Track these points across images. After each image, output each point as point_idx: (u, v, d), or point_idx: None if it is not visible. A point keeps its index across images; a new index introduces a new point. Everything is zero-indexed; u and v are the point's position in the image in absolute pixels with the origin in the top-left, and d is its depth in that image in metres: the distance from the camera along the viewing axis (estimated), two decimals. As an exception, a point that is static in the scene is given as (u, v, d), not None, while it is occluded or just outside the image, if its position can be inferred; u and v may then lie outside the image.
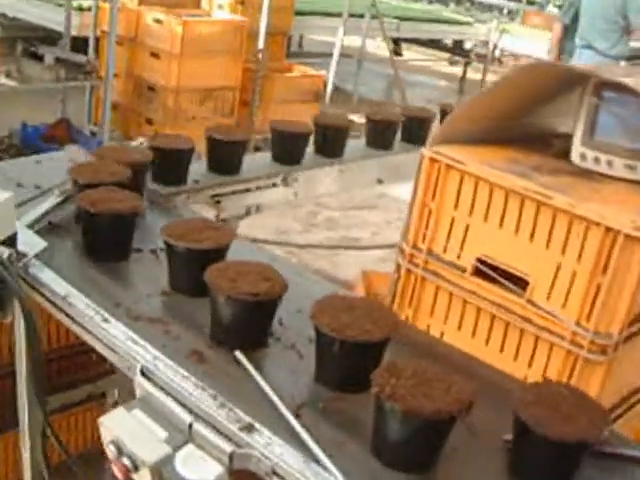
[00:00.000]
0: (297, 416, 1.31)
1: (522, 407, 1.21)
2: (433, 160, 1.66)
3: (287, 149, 2.91)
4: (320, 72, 7.65)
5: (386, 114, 3.48)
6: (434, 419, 1.17)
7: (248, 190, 2.83)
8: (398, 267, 1.76)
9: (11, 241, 1.58)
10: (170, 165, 2.35)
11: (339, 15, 8.55)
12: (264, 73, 7.00)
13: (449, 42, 11.40)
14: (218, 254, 1.67)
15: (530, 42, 10.91)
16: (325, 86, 7.81)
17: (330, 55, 8.48)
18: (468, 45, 11.82)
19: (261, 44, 6.90)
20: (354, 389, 1.39)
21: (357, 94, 9.21)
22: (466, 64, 11.19)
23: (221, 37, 6.27)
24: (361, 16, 8.74)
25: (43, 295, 1.63)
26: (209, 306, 1.52)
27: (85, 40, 6.46)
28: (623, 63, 7.82)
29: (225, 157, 2.61)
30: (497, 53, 11.85)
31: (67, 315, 1.59)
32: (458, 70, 11.74)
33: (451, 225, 1.66)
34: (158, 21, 6.14)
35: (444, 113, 3.25)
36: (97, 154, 2.19)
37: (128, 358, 1.46)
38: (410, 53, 12.47)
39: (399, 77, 9.18)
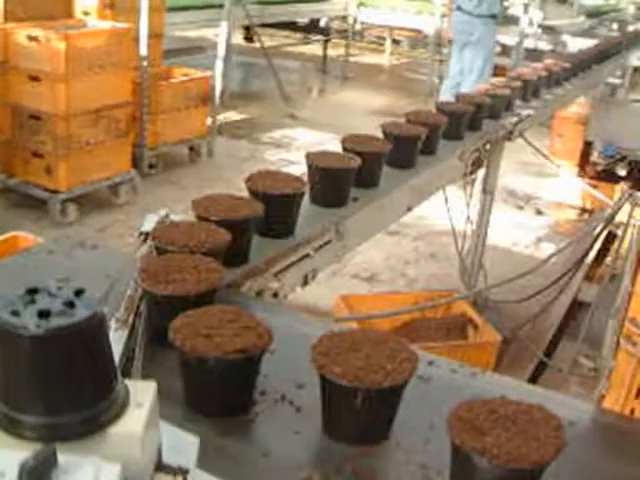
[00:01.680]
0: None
1: None
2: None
3: (334, 189, 2.38)
4: (206, 73, 6.94)
5: (405, 128, 2.97)
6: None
7: (307, 256, 2.25)
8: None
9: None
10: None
11: (197, 8, 7.85)
12: (150, 83, 6.24)
13: (305, 21, 10.87)
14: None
15: (390, 13, 10.64)
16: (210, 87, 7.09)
17: (198, 50, 7.83)
18: (323, 23, 11.35)
19: (143, 50, 6.13)
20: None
21: (228, 90, 8.56)
22: (326, 42, 10.74)
23: (108, 49, 5.46)
24: (220, 6, 8.05)
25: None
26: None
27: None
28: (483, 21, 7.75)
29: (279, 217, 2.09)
30: (357, 27, 11.47)
31: None
32: (317, 49, 11.33)
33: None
34: (34, 39, 5.24)
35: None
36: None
37: None
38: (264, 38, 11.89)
39: (274, 66, 8.59)
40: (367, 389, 1.18)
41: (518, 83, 4.28)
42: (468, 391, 1.39)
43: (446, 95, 8.35)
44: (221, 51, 7.09)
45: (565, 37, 9.85)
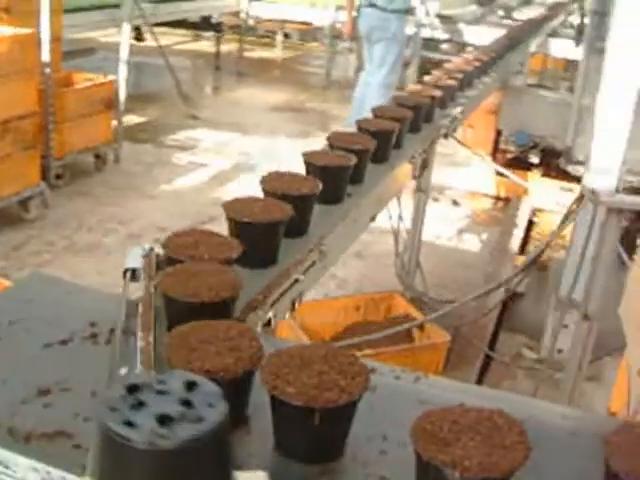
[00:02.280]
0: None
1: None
2: None
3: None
4: (109, 77, 6.64)
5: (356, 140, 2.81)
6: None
7: (297, 281, 2.11)
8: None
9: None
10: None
11: (90, 9, 7.51)
12: (54, 90, 5.92)
13: (196, 18, 10.58)
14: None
15: (283, 6, 10.51)
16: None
17: (89, 52, 7.51)
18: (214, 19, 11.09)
19: (45, 56, 5.81)
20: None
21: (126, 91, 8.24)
22: (218, 38, 10.51)
23: (10, 56, 5.12)
24: (114, 6, 7.72)
25: None
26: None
27: None
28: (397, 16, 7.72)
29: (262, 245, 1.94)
30: (251, 22, 11.26)
31: None
32: (207, 45, 11.09)
33: None
34: None
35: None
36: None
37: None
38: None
39: (171, 66, 8.32)
40: (323, 408, 1.14)
41: (449, 81, 4.24)
42: (414, 397, 1.39)
43: (360, 90, 8.26)
44: (124, 54, 6.79)
45: (460, 26, 9.90)
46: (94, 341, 1.55)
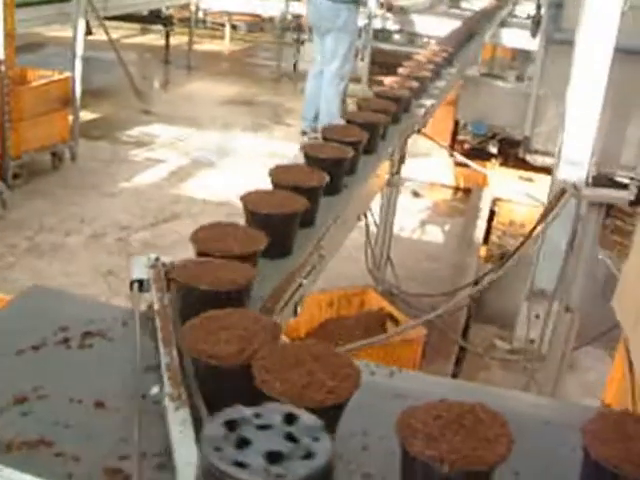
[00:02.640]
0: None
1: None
2: None
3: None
4: (66, 74, 6.51)
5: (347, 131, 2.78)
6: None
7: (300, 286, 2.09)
8: None
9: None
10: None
11: (40, 3, 7.33)
12: (10, 88, 5.78)
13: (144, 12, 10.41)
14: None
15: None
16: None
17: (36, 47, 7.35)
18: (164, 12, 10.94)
19: (0, 53, 5.67)
20: None
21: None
22: (167, 32, 10.37)
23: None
24: (62, 1, 7.53)
25: None
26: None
27: None
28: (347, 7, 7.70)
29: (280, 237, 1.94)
30: (200, 14, 11.13)
31: None
32: (154, 39, 10.94)
33: None
34: None
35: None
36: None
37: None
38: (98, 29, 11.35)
39: (123, 60, 8.18)
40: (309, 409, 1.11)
41: (423, 72, 4.23)
42: (391, 392, 1.39)
43: (311, 82, 8.20)
44: (79, 49, 6.66)
45: (412, 16, 9.91)
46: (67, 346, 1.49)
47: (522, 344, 4.79)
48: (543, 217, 3.72)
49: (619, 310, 2.64)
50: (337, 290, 4.76)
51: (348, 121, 2.88)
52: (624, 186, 3.64)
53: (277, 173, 2.16)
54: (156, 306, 1.62)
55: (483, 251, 6.15)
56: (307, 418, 0.90)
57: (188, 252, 5.78)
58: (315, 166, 2.28)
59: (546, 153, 6.80)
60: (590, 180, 4.56)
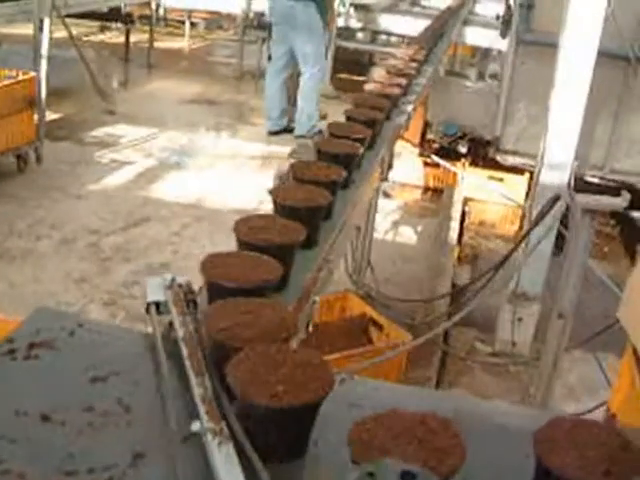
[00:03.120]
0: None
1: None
2: None
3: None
4: (31, 74, 6.35)
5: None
6: None
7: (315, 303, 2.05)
8: None
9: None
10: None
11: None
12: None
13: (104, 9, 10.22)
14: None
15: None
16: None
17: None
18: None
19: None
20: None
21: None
22: (127, 30, 10.21)
23: None
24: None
25: None
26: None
27: None
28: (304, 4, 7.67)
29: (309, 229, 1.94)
30: (161, 12, 10.98)
31: None
32: (111, 37, 10.77)
33: None
34: None
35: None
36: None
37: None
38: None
39: (85, 59, 8.03)
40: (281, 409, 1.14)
41: (401, 80, 4.17)
42: (342, 399, 1.36)
43: (271, 81, 8.15)
44: (44, 48, 6.49)
45: (375, 14, 9.88)
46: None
47: (504, 347, 4.79)
48: (535, 223, 3.70)
49: (626, 321, 2.62)
50: (319, 296, 4.69)
51: (348, 118, 2.89)
52: (616, 191, 3.63)
53: (298, 168, 2.21)
54: (180, 332, 1.54)
55: (456, 252, 6.14)
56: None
57: (161, 256, 5.66)
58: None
59: (516, 153, 6.83)
60: (572, 183, 4.58)
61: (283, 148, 7.88)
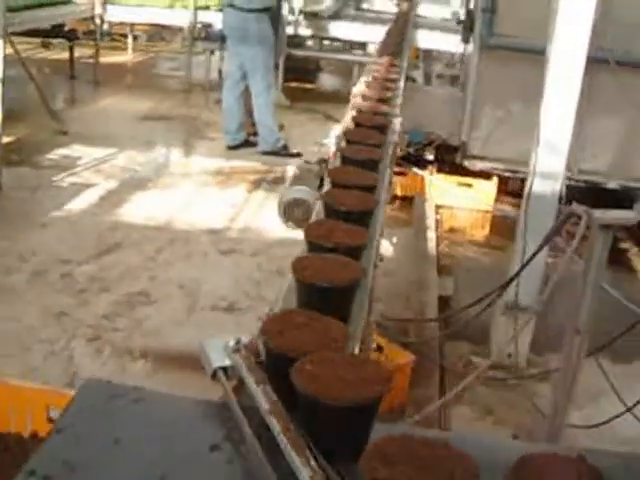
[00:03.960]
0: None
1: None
2: None
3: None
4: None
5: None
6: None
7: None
8: None
9: None
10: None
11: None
12: None
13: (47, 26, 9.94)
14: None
15: (140, 8, 10.07)
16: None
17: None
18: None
19: None
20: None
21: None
22: (71, 46, 9.95)
23: None
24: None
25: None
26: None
27: None
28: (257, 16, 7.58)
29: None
30: (106, 27, 10.74)
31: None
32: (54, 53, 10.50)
33: None
34: None
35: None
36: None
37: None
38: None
39: (34, 78, 7.79)
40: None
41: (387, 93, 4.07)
42: None
43: (228, 94, 8.02)
44: (-1, 71, 6.26)
45: (323, 22, 9.82)
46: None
47: (501, 359, 4.73)
48: (547, 240, 3.64)
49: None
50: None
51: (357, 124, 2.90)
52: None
53: (337, 173, 2.29)
54: (265, 405, 1.38)
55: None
56: None
57: (139, 283, 5.44)
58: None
59: (484, 157, 6.81)
60: (563, 193, 4.54)
61: (244, 163, 7.77)
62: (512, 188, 7.29)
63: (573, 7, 4.08)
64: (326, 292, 1.58)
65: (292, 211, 3.41)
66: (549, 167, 4.36)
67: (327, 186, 2.51)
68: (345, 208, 2.02)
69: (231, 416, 1.36)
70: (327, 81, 11.81)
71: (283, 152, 7.92)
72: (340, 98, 10.53)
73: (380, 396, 1.20)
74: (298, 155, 7.78)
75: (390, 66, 4.72)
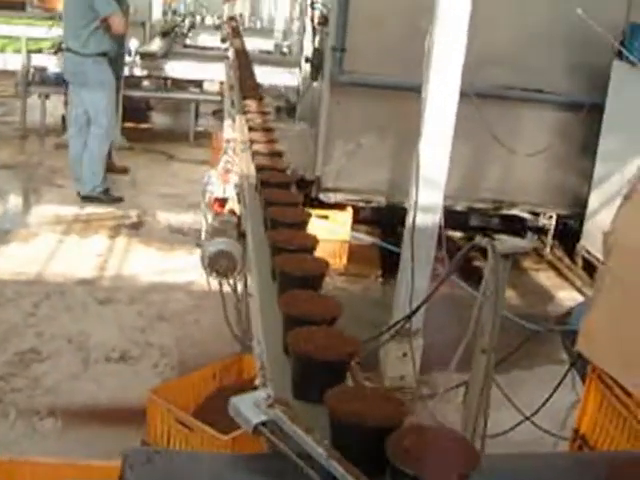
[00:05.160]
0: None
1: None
2: None
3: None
4: None
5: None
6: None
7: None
8: None
9: None
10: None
11: None
12: None
13: None
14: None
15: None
16: None
17: None
18: None
19: None
20: None
21: None
22: None
23: None
24: None
25: None
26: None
27: None
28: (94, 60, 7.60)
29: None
30: None
31: None
32: None
33: None
34: None
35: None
36: None
37: None
38: None
39: None
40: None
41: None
42: None
43: (77, 142, 7.93)
44: None
45: (159, 61, 9.91)
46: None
47: (394, 382, 5.02)
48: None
49: (589, 351, 2.96)
50: (215, 362, 4.71)
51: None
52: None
53: None
54: (323, 451, 1.54)
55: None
56: None
57: (26, 341, 5.36)
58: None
59: (337, 190, 7.14)
60: (442, 222, 4.89)
61: (99, 209, 7.73)
62: (364, 216, 7.66)
63: (446, 48, 4.43)
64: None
65: (217, 263, 3.56)
66: (428, 200, 4.68)
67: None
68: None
69: (286, 466, 1.49)
70: (160, 120, 11.84)
71: (104, 197, 7.92)
72: (176, 136, 10.67)
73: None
74: (120, 200, 7.92)
75: (260, 107, 4.80)
